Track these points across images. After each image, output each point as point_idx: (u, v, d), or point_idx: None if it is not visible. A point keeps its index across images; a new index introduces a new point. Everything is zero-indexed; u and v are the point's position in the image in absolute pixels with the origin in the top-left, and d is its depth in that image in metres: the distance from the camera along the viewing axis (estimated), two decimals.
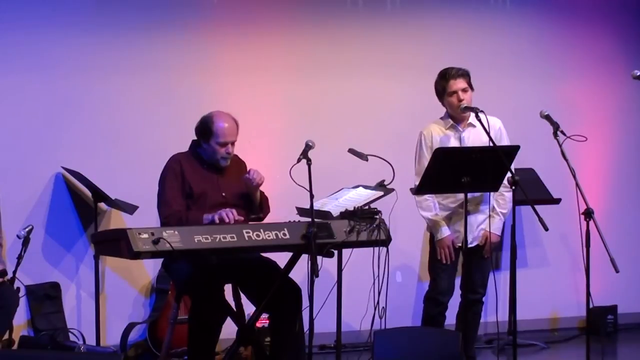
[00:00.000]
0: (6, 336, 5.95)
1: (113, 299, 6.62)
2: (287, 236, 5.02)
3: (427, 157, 5.73)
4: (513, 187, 5.38)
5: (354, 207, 5.26)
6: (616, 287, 7.21)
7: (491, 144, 5.48)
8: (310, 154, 5.13)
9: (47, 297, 6.45)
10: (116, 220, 6.61)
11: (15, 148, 6.45)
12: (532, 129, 6.54)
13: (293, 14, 7.07)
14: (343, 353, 5.71)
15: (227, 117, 5.49)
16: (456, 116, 5.87)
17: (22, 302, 6.22)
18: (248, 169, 5.50)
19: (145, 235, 4.75)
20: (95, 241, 5.65)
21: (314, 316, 5.08)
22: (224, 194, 5.46)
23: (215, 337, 5.26)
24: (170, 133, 6.51)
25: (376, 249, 5.24)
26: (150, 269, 6.68)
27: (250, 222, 5.33)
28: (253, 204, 5.52)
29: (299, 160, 5.10)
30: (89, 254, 6.54)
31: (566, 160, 5.31)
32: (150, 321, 6.46)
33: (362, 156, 5.62)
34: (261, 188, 5.68)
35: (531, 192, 5.98)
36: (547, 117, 5.52)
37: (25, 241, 6.03)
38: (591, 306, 5.36)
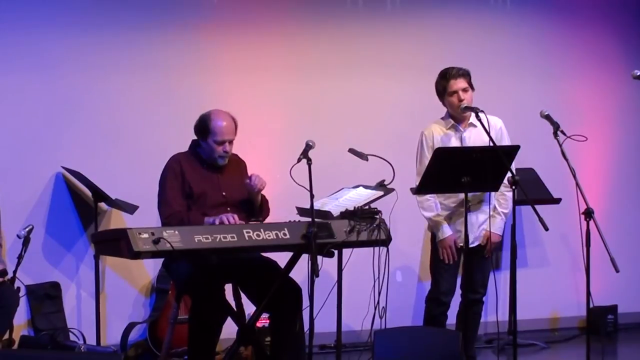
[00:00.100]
0: (6, 336, 5.95)
1: (113, 298, 6.62)
2: (288, 236, 5.02)
3: (428, 157, 5.72)
4: (513, 187, 5.38)
5: (354, 207, 5.26)
6: (616, 287, 7.21)
7: (491, 144, 5.48)
8: (311, 153, 5.13)
9: (47, 296, 6.45)
10: (116, 220, 6.61)
11: (16, 148, 6.45)
12: (532, 129, 6.54)
13: (293, 14, 7.07)
14: (343, 353, 5.71)
15: (225, 115, 5.49)
16: (457, 116, 5.87)
17: (23, 301, 6.22)
18: (249, 175, 5.49)
19: (145, 235, 4.75)
20: (96, 241, 5.64)
21: (314, 316, 5.09)
22: (224, 194, 5.46)
23: (215, 336, 5.26)
24: (170, 133, 6.50)
25: (376, 248, 5.24)
26: (150, 268, 6.68)
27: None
28: (254, 207, 5.52)
29: (299, 160, 5.10)
30: (89, 253, 6.54)
31: (566, 160, 5.30)
32: (150, 321, 6.46)
33: (363, 156, 5.61)
34: None
35: (531, 192, 5.99)
36: (547, 117, 5.52)
37: (26, 241, 6.03)
38: (591, 306, 5.35)
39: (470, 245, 5.74)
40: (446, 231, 5.87)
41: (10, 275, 5.86)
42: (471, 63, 6.04)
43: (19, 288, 5.97)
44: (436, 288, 5.99)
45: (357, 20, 7.19)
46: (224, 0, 6.93)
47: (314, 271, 4.88)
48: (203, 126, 5.46)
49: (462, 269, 5.94)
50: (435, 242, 5.96)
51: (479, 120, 5.51)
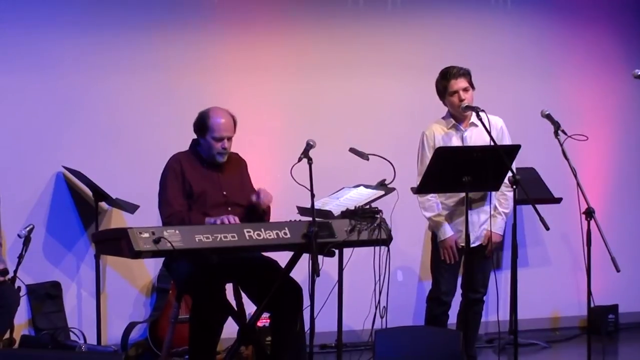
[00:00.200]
0: (7, 335, 5.94)
1: (114, 298, 6.62)
2: (288, 235, 5.02)
3: (429, 156, 5.71)
4: (514, 187, 5.37)
5: (355, 207, 5.26)
6: (617, 287, 7.21)
7: (492, 144, 5.47)
8: (311, 153, 5.13)
9: (48, 296, 6.45)
10: (117, 219, 6.61)
11: (16, 148, 6.45)
12: (533, 128, 6.53)
13: (293, 14, 7.06)
14: (344, 352, 5.72)
15: (224, 112, 5.49)
16: (458, 115, 5.87)
17: (23, 301, 6.22)
18: (257, 190, 5.46)
19: (146, 235, 4.75)
20: (96, 240, 5.64)
21: (315, 315, 5.08)
22: (224, 193, 5.46)
23: (216, 336, 5.26)
24: (170, 133, 6.50)
25: (377, 248, 5.24)
26: (151, 268, 6.68)
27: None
28: (256, 212, 5.51)
29: (299, 160, 5.10)
30: (89, 253, 6.54)
31: (567, 159, 5.30)
32: (151, 320, 6.46)
33: (363, 155, 5.61)
34: (262, 186, 5.69)
35: (532, 191, 5.98)
36: (548, 117, 5.51)
37: (26, 240, 6.03)
38: (592, 305, 5.34)
39: (471, 245, 5.72)
40: (447, 231, 5.86)
41: (10, 274, 5.85)
42: (471, 63, 6.04)
43: (19, 287, 5.96)
44: (437, 288, 5.99)
45: (357, 20, 7.19)
46: (224, 0, 6.93)
47: (315, 270, 4.88)
48: (202, 123, 5.46)
49: (463, 268, 5.94)
50: (435, 242, 5.96)
51: (480, 119, 5.51)
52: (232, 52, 6.91)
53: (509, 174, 5.45)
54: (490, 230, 5.82)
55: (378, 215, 5.25)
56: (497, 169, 5.51)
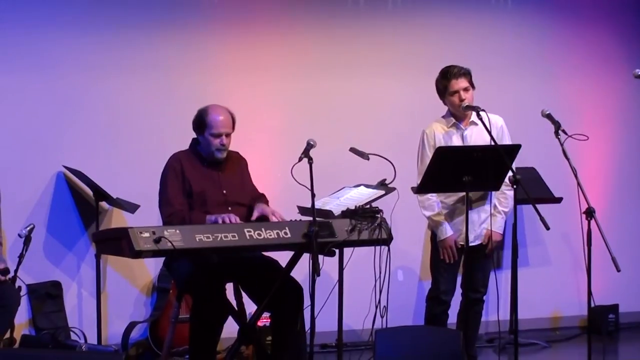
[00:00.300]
0: (7, 335, 5.94)
1: (114, 298, 6.62)
2: (289, 235, 5.02)
3: (429, 155, 5.71)
4: (514, 186, 5.37)
5: (355, 206, 5.26)
6: (617, 286, 7.21)
7: (492, 143, 5.47)
8: (311, 153, 5.13)
9: (48, 296, 6.45)
10: (117, 219, 6.61)
11: (16, 147, 6.45)
12: (534, 128, 6.53)
13: (293, 13, 7.06)
14: (344, 352, 5.72)
15: (222, 109, 5.49)
16: (458, 114, 5.87)
17: (24, 301, 6.22)
18: (272, 212, 5.39)
19: (146, 234, 4.75)
20: (97, 240, 5.64)
21: (315, 315, 5.08)
22: (224, 192, 5.45)
23: (216, 336, 5.25)
24: (170, 132, 6.50)
25: (377, 247, 5.24)
26: (151, 267, 6.68)
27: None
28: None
29: (300, 159, 5.10)
30: (90, 252, 6.54)
31: (567, 159, 5.30)
32: (151, 320, 6.46)
33: (364, 155, 5.61)
34: (263, 187, 5.70)
35: (533, 191, 5.98)
36: (549, 116, 5.51)
37: (27, 240, 6.02)
38: (592, 305, 5.34)
39: (471, 244, 5.72)
40: (447, 231, 5.86)
41: (11, 274, 5.85)
42: (471, 63, 6.04)
43: (20, 287, 5.96)
44: (436, 287, 5.99)
45: (357, 20, 7.19)
46: (224, 0, 6.93)
47: (315, 270, 4.88)
48: (200, 121, 5.46)
49: (463, 268, 5.94)
50: (435, 241, 5.96)
51: (480, 119, 5.51)
52: (232, 52, 6.91)
53: (510, 173, 5.46)
54: (491, 230, 5.82)
55: (378, 215, 5.25)
56: (497, 169, 5.51)
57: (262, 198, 5.62)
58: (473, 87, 5.86)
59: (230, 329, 5.45)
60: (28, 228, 6.04)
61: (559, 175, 6.77)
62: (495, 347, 6.82)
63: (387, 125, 7.15)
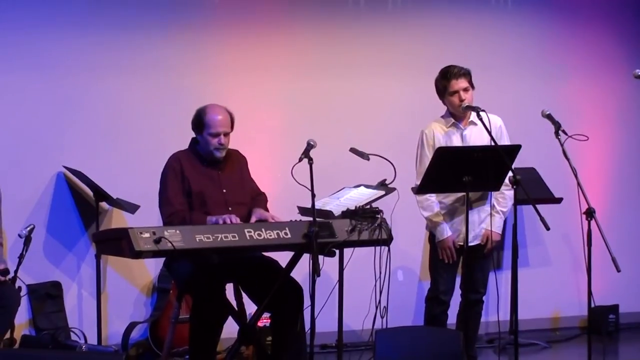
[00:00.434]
0: (7, 335, 5.94)
1: (114, 298, 6.62)
2: (289, 235, 5.02)
3: (428, 156, 5.72)
4: (514, 187, 5.37)
5: (356, 207, 5.26)
6: (618, 287, 7.21)
7: (492, 144, 5.47)
8: (312, 153, 5.13)
9: (48, 296, 6.45)
10: (117, 219, 6.61)
11: (17, 147, 6.45)
12: (534, 128, 6.54)
13: (294, 14, 7.06)
14: (344, 352, 5.72)
15: (220, 109, 5.49)
16: (457, 114, 5.87)
17: (24, 301, 6.22)
18: (271, 217, 5.37)
19: (146, 235, 4.75)
20: (97, 240, 5.65)
21: (315, 315, 5.08)
22: (224, 191, 5.45)
23: (216, 336, 5.26)
24: (170, 132, 6.50)
25: (377, 248, 5.24)
26: (151, 268, 6.68)
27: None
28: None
29: (300, 160, 5.10)
30: (90, 253, 6.54)
31: (568, 159, 5.30)
32: (151, 320, 6.46)
33: (364, 155, 5.61)
34: (263, 187, 5.69)
35: (533, 191, 5.98)
36: (549, 117, 5.51)
37: (27, 240, 6.02)
38: (592, 305, 5.34)
39: (470, 244, 5.72)
40: (445, 232, 5.86)
41: (11, 274, 5.85)
42: (471, 63, 6.04)
43: (20, 287, 5.96)
44: (435, 287, 5.99)
45: (357, 20, 7.19)
46: (224, 0, 6.93)
47: (315, 270, 4.88)
48: (199, 120, 5.46)
49: (462, 268, 5.94)
50: (433, 241, 5.96)
51: (480, 119, 5.51)
52: (232, 52, 6.91)
53: (510, 174, 5.45)
54: (491, 230, 5.82)
55: (378, 215, 5.25)
56: (497, 169, 5.51)
57: (262, 198, 5.62)
58: (473, 87, 5.86)
59: (230, 329, 5.45)
60: (28, 228, 6.04)
61: (559, 176, 6.77)
62: (495, 347, 6.82)
63: (387, 125, 7.15)
